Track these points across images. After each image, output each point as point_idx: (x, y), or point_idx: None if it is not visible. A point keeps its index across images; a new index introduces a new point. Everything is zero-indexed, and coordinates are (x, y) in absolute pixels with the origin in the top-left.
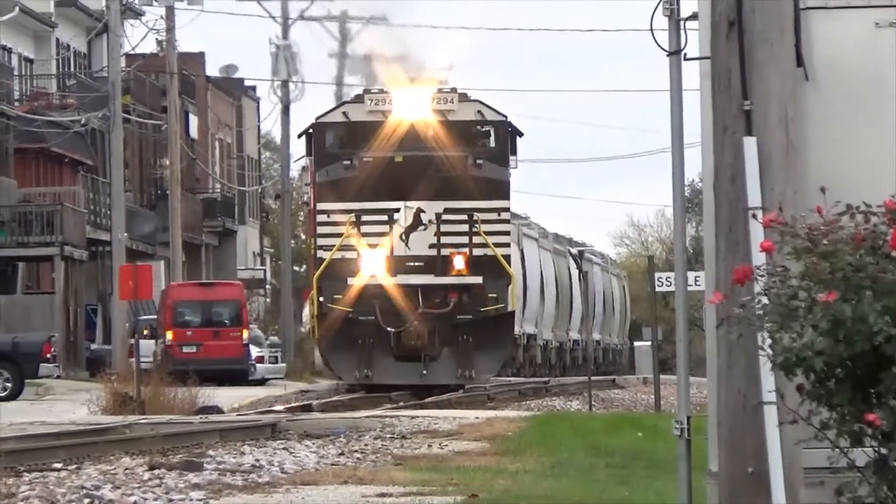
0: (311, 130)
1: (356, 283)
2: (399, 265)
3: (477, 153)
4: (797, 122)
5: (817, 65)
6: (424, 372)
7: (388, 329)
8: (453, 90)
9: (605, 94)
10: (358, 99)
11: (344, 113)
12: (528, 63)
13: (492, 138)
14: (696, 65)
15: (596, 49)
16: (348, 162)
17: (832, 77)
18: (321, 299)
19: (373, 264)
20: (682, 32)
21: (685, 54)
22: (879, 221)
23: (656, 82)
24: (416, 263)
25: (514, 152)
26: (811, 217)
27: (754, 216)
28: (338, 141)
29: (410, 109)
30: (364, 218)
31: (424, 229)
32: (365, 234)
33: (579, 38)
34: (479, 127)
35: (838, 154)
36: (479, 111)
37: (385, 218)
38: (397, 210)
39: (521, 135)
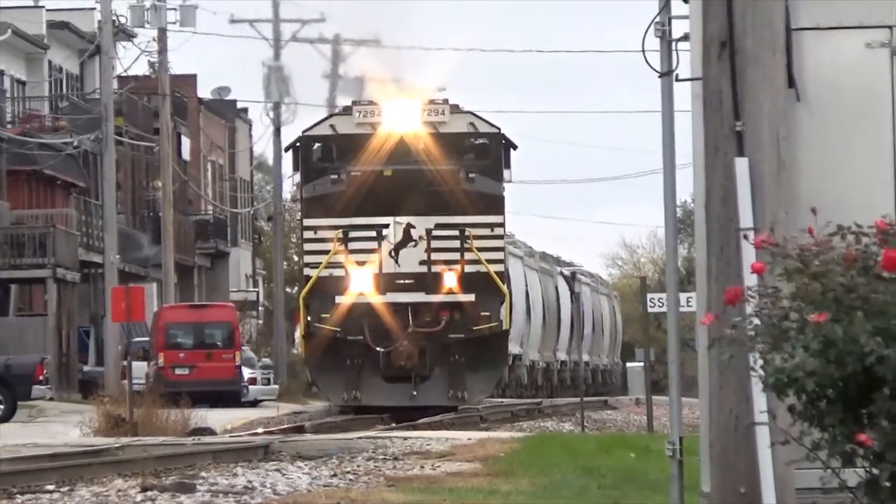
0: (297, 144)
1: (344, 301)
2: (388, 283)
3: (469, 166)
4: (789, 143)
5: (809, 85)
6: (415, 393)
7: (378, 349)
8: (445, 101)
9: (597, 115)
10: (346, 111)
11: (331, 125)
12: (521, 84)
13: (485, 151)
14: (687, 86)
15: (588, 70)
16: (336, 176)
17: (824, 97)
18: (308, 318)
19: (361, 282)
20: (674, 53)
21: (677, 75)
22: (871, 242)
23: (648, 103)
24: (406, 281)
25: (507, 165)
26: (803, 238)
27: (746, 237)
28: (325, 154)
29: (400, 121)
30: (352, 234)
31: (415, 245)
32: (353, 251)
33: (572, 59)
34: (471, 139)
35: (831, 174)
36: (471, 123)
37: (374, 234)
38: (386, 226)
39: (515, 147)
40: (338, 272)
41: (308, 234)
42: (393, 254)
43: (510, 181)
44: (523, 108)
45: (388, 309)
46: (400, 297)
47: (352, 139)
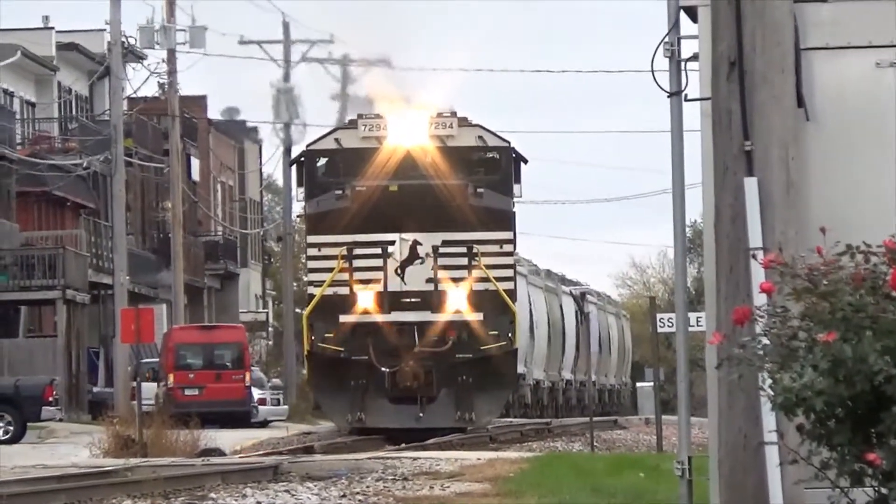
0: (302, 158)
1: (348, 320)
2: (394, 301)
3: (477, 181)
4: (798, 162)
5: (818, 105)
6: (421, 415)
7: (383, 369)
8: (453, 114)
9: (606, 135)
10: (351, 124)
11: (336, 139)
12: (529, 103)
13: (494, 165)
14: (697, 105)
15: (597, 89)
16: (340, 191)
17: (833, 117)
18: (312, 338)
19: (366, 300)
20: (683, 73)
21: (686, 95)
22: (879, 261)
23: (658, 123)
24: (412, 299)
25: (517, 180)
26: (812, 257)
27: (755, 256)
28: (330, 169)
29: (406, 135)
30: (357, 251)
31: (421, 263)
32: (358, 269)
33: (581, 79)
34: (480, 153)
35: (840, 194)
36: (479, 136)
37: (379, 251)
38: (392, 242)
39: (525, 162)
40: (342, 290)
41: (312, 252)
42: (399, 271)
43: (520, 196)
44: (532, 127)
45: (393, 328)
46: (406, 315)
47: (357, 153)
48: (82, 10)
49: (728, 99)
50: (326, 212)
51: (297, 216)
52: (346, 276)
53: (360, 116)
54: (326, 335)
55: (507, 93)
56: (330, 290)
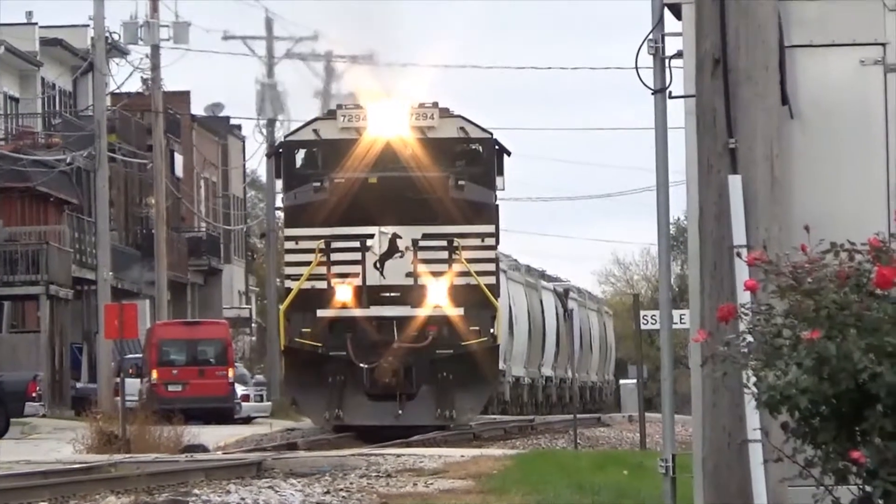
0: (280, 150)
1: (326, 315)
2: (373, 296)
3: (459, 173)
4: (782, 160)
5: (802, 103)
6: (400, 412)
7: (361, 365)
8: (434, 105)
9: (590, 131)
10: (330, 115)
11: (315, 130)
12: (513, 100)
13: (476, 157)
14: (681, 103)
15: (581, 86)
16: (318, 183)
17: (817, 115)
18: (289, 333)
19: (344, 295)
20: (668, 71)
21: (670, 92)
22: (864, 259)
23: (642, 120)
24: (392, 294)
25: (500, 172)
26: (796, 255)
27: (739, 254)
28: (308, 161)
29: (386, 126)
30: (335, 245)
31: (401, 257)
32: (336, 262)
33: (565, 76)
34: (462, 145)
35: (824, 191)
36: (461, 128)
37: (357, 244)
38: (371, 236)
39: (508, 154)
40: (320, 284)
41: (289, 245)
42: (378, 265)
43: (503, 189)
44: (516, 124)
45: (372, 323)
46: (385, 310)
47: (336, 145)
48: (66, 5)
49: (712, 96)
50: (304, 204)
51: (278, 208)
52: (324, 269)
53: (339, 107)
54: (304, 330)
55: (490, 88)
56: (308, 284)
